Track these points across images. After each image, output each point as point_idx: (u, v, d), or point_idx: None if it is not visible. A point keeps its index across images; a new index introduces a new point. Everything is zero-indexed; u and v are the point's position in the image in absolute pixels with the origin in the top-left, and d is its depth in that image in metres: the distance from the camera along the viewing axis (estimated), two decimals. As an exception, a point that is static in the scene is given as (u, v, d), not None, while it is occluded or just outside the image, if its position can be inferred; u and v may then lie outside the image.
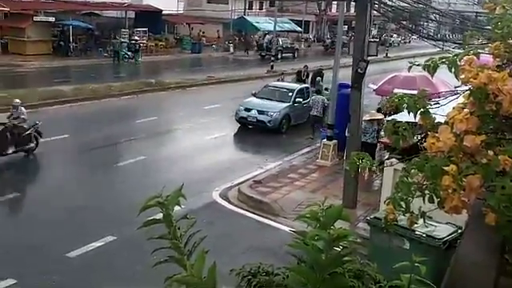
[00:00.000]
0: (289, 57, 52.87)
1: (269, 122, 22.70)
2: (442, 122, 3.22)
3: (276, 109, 23.07)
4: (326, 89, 24.62)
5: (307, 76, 31.06)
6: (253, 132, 23.13)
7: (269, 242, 12.05)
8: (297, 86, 25.47)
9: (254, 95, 24.41)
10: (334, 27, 59.29)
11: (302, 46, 61.99)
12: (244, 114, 23.19)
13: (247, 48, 55.20)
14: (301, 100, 23.85)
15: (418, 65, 3.53)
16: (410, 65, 3.73)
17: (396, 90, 15.91)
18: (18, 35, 39.80)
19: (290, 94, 24.20)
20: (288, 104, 23.58)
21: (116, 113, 24.47)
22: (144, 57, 43.72)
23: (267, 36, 54.30)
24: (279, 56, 50.56)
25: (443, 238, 9.11)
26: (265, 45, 52.65)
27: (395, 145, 3.44)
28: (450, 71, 3.20)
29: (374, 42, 16.44)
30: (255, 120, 22.96)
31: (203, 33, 55.12)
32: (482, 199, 3.04)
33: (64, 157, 18.39)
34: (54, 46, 42.16)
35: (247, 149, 20.84)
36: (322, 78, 28.82)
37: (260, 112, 22.94)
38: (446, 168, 2.98)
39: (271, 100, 23.77)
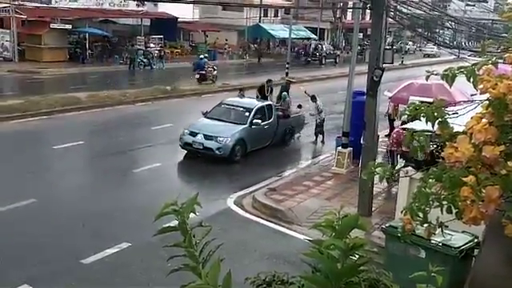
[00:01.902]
0: (331, 62, 55.87)
1: (218, 149, 18.76)
2: (460, 131, 3.19)
3: (227, 133, 19.15)
4: (300, 106, 23.39)
5: (271, 91, 26.14)
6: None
7: (283, 250, 12.01)
8: (256, 104, 21.18)
9: (205, 115, 20.62)
10: (350, 35, 59.35)
11: (343, 53, 63.54)
12: (189, 139, 19.22)
13: (260, 55, 55.43)
14: (259, 122, 20.12)
15: (436, 74, 3.50)
16: (427, 74, 3.71)
17: (412, 98, 15.91)
18: (34, 42, 40.22)
19: (247, 113, 20.23)
20: (243, 127, 19.73)
21: (131, 119, 24.55)
22: (159, 64, 43.92)
23: (312, 43, 60.08)
24: (323, 61, 55.93)
25: (459, 247, 9.04)
26: (310, 51, 57.66)
27: (413, 154, 3.42)
28: (469, 81, 3.17)
29: (390, 49, 16.41)
30: (201, 147, 18.97)
31: (226, 40, 55.76)
32: (501, 210, 3.00)
33: (79, 163, 18.50)
34: (71, 53, 42.55)
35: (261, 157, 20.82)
36: (288, 91, 25.02)
37: (207, 137, 18.97)
38: (464, 179, 2.94)
39: (224, 121, 19.97)
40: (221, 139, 18.82)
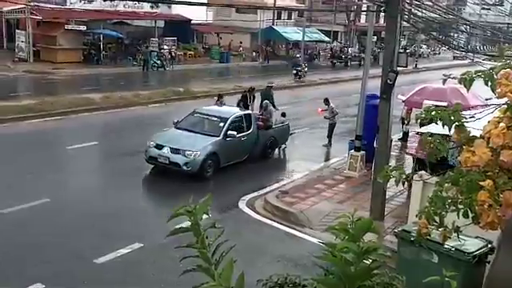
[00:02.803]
0: (356, 65, 55.83)
1: (185, 164, 16.74)
2: (477, 135, 3.16)
3: (197, 146, 17.07)
4: (284, 114, 22.46)
5: (253, 100, 24.18)
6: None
7: (295, 253, 12.00)
8: (232, 113, 19.04)
9: (176, 125, 18.73)
10: (363, 38, 59.27)
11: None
12: (154, 152, 17.19)
13: (266, 56, 55.58)
14: (234, 133, 17.97)
15: (453, 77, 3.48)
16: (443, 78, 3.68)
17: (426, 102, 15.85)
18: (49, 43, 40.49)
19: (222, 124, 18.13)
20: (216, 139, 17.65)
21: (144, 121, 24.61)
22: (170, 65, 44.06)
23: (337, 45, 63.42)
24: (348, 63, 57.15)
25: (473, 252, 8.98)
26: (337, 53, 59.70)
27: (430, 158, 3.39)
28: (486, 85, 3.14)
29: (404, 52, 16.37)
30: (167, 162, 17.01)
31: (241, 43, 55.91)
32: (519, 215, 2.97)
33: (93, 163, 18.58)
34: (85, 54, 42.76)
35: (273, 160, 20.78)
36: (273, 98, 23.71)
37: (174, 151, 16.99)
38: (482, 183, 2.92)
39: (195, 132, 17.93)
40: (189, 153, 16.77)
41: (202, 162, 16.92)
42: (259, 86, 36.78)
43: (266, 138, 19.86)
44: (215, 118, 18.63)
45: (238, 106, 22.50)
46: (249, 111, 20.76)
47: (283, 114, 22.21)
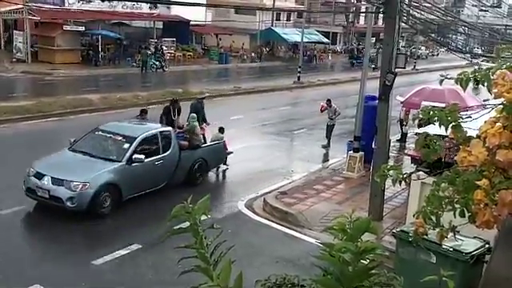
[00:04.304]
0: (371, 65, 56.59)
1: (69, 199, 12.97)
2: (474, 135, 3.18)
3: (86, 175, 13.47)
4: (222, 129, 18.79)
5: (179, 113, 19.82)
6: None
7: (294, 253, 12.02)
8: (143, 132, 15.35)
9: (71, 145, 15.03)
10: (362, 39, 59.41)
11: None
12: (33, 182, 13.47)
13: (260, 55, 55.64)
14: (142, 157, 14.34)
15: (450, 78, 3.50)
16: (440, 78, 3.70)
17: (424, 103, 15.88)
18: (47, 44, 40.48)
19: (126, 145, 14.54)
20: (117, 165, 14.09)
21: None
22: (171, 67, 44.12)
23: (355, 46, 64.74)
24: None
25: (471, 252, 9.01)
26: (355, 54, 60.97)
27: (426, 158, 3.41)
28: (483, 85, 3.16)
29: (403, 54, 16.39)
30: (47, 195, 13.22)
31: (243, 44, 56.01)
32: (515, 214, 2.99)
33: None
34: (83, 55, 42.78)
35: (272, 161, 20.79)
36: (203, 112, 20.17)
37: (56, 181, 13.25)
38: (478, 182, 2.94)
39: (93, 156, 14.35)
40: (75, 184, 13.07)
41: (94, 196, 13.17)
42: (258, 86, 37.11)
43: (191, 160, 16.36)
44: (120, 138, 14.88)
45: (161, 121, 18.61)
46: (168, 128, 16.59)
47: (221, 130, 18.78)
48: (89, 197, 13.12)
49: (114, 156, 14.37)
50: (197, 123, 17.68)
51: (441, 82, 3.75)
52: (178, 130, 17.65)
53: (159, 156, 15.26)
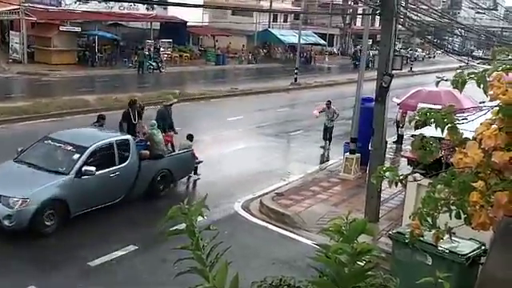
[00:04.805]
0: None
1: (7, 217, 11.67)
2: (470, 137, 3.19)
3: (27, 190, 12.13)
4: (191, 137, 17.57)
5: (140, 117, 17.93)
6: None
7: (290, 255, 12.01)
8: (97, 140, 13.96)
9: (18, 155, 13.73)
10: (359, 41, 59.50)
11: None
12: None
13: (255, 57, 55.69)
14: (92, 169, 12.94)
15: (446, 80, 3.50)
16: (437, 80, 3.71)
17: (420, 105, 15.89)
18: (44, 44, 40.43)
19: (76, 156, 13.16)
20: (63, 178, 12.72)
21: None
22: (168, 68, 44.09)
23: (359, 48, 61.72)
24: (370, 65, 55.43)
25: (467, 254, 9.02)
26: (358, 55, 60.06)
27: (422, 160, 3.42)
28: (479, 87, 3.17)
29: (399, 56, 16.42)
30: None
31: (243, 46, 56.40)
32: (510, 216, 3.00)
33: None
34: (80, 55, 42.73)
35: (269, 162, 20.79)
36: (171, 119, 18.48)
37: None
38: (474, 184, 2.95)
39: (39, 168, 13.01)
40: (14, 200, 11.76)
41: (35, 214, 11.83)
42: (255, 88, 37.11)
43: (153, 171, 15.06)
44: (70, 148, 13.49)
45: (121, 128, 16.96)
46: (125, 137, 15.06)
47: (189, 137, 17.53)
48: (29, 214, 11.73)
49: (61, 168, 12.94)
50: (157, 131, 15.80)
51: (437, 83, 3.76)
52: (139, 138, 16.09)
53: (115, 167, 13.86)
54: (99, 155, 13.70)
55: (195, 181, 17.19)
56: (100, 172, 13.29)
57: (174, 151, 16.87)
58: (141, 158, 14.79)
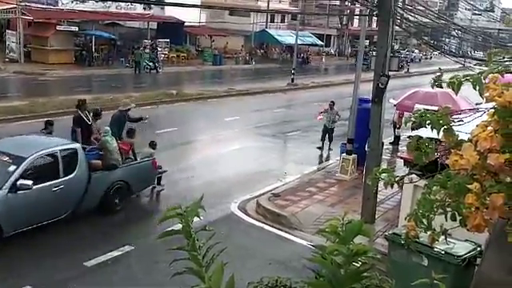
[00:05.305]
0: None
1: None
2: (465, 139, 3.20)
3: None
4: (153, 144, 16.19)
5: (93, 119, 16.19)
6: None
7: (287, 256, 12.01)
8: (38, 149, 12.37)
9: None
10: (356, 41, 59.55)
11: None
12: None
13: (252, 57, 55.80)
14: (29, 183, 11.47)
15: (442, 81, 3.51)
16: (432, 81, 3.72)
17: (417, 106, 15.91)
18: (41, 44, 40.35)
19: (12, 168, 11.66)
20: None
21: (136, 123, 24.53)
22: (165, 68, 44.06)
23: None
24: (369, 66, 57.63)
25: (462, 255, 9.03)
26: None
27: (418, 161, 3.42)
28: (475, 89, 3.18)
29: (396, 57, 16.44)
30: None
31: (242, 46, 56.32)
32: (505, 218, 3.01)
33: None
34: (76, 55, 42.66)
35: (266, 163, 20.79)
36: (125, 125, 16.81)
37: None
38: (469, 186, 2.96)
39: None
40: None
41: None
42: (252, 88, 37.11)
43: (106, 183, 13.56)
44: (6, 158, 11.96)
45: (74, 136, 15.25)
46: (72, 145, 13.27)
47: (152, 144, 16.16)
48: None
49: None
50: (111, 138, 14.18)
51: (433, 85, 3.77)
52: (90, 147, 14.36)
53: (59, 180, 12.33)
54: (40, 166, 12.28)
55: (159, 192, 15.74)
56: (40, 186, 11.84)
57: (135, 160, 15.23)
58: (91, 168, 13.26)
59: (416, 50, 79.10)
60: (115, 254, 11.53)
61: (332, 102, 22.68)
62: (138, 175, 14.49)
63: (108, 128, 14.75)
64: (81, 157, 12.93)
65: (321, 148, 22.31)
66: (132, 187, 14.22)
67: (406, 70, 55.40)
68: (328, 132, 22.20)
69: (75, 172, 12.70)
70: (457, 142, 3.26)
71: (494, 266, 3.52)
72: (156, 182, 15.71)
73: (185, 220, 2.47)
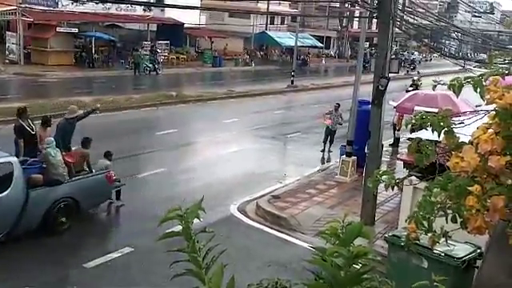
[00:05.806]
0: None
1: None
2: (466, 141, 3.19)
3: None
4: (109, 154, 14.79)
5: (46, 124, 14.88)
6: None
7: (286, 258, 12.00)
8: None
9: None
10: (356, 43, 59.58)
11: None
12: None
13: (252, 59, 55.83)
14: None
15: (442, 84, 3.52)
16: (434, 83, 3.72)
17: (417, 108, 15.92)
18: (41, 45, 40.35)
19: None
20: None
21: (136, 124, 24.57)
22: (165, 69, 44.08)
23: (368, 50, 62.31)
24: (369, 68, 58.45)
25: (462, 257, 9.02)
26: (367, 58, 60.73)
27: (418, 163, 3.42)
28: (476, 91, 3.18)
29: (396, 59, 16.45)
30: None
31: (245, 49, 56.34)
32: (506, 220, 3.01)
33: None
34: (76, 57, 42.68)
35: (265, 165, 20.78)
36: (71, 134, 14.78)
37: None
38: (470, 188, 2.95)
39: None
40: None
41: None
42: (251, 90, 37.11)
43: (49, 200, 12.02)
44: None
45: (17, 146, 13.59)
46: (5, 159, 11.51)
47: (107, 155, 14.78)
48: None
49: None
50: (55, 150, 12.48)
51: (434, 87, 3.78)
52: (33, 159, 12.71)
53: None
54: None
55: (118, 207, 14.38)
56: None
57: (91, 172, 13.74)
58: (31, 184, 11.82)
59: (416, 52, 79.13)
60: (115, 255, 11.50)
61: (337, 103, 22.64)
62: (88, 190, 12.88)
63: (51, 139, 12.88)
64: (16, 172, 11.33)
65: (323, 150, 22.30)
66: (81, 204, 12.62)
67: (405, 72, 55.47)
68: (330, 134, 22.18)
69: (9, 189, 11.21)
70: (457, 144, 3.26)
71: (494, 268, 3.51)
72: (115, 196, 14.33)
73: (185, 222, 2.46)
